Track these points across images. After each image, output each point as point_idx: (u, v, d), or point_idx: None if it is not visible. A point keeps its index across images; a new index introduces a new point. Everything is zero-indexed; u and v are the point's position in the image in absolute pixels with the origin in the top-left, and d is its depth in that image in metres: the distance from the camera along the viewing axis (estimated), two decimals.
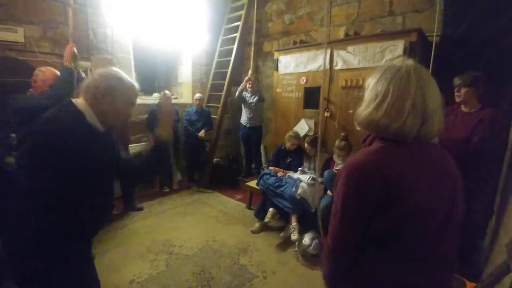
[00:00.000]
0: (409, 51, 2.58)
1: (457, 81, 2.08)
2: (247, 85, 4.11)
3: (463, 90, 2.07)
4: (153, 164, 1.40)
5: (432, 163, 0.84)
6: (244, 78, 4.17)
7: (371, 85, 0.87)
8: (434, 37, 2.27)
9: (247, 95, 4.21)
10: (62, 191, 1.03)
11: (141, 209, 3.59)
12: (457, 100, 2.12)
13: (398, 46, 2.66)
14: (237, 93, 4.19)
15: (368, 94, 0.87)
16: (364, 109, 0.87)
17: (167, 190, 4.29)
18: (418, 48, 2.59)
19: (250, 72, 4.14)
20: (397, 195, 0.77)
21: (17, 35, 2.95)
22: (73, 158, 1.01)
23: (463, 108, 2.15)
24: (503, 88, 2.18)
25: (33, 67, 2.93)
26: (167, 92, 3.98)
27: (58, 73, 2.18)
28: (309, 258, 2.59)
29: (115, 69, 1.21)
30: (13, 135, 2.40)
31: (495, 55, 2.19)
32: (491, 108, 2.05)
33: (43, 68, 2.16)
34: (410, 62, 0.84)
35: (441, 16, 2.38)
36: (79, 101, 1.13)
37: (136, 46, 4.09)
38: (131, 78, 1.23)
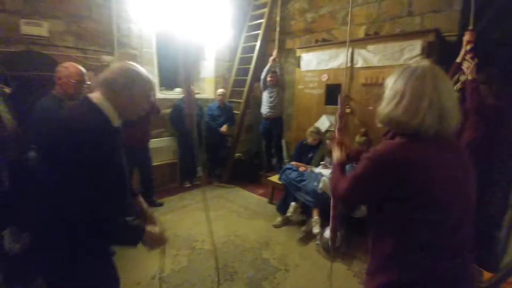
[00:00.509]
0: (427, 51, 2.64)
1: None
2: (268, 78, 4.14)
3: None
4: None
5: (450, 157, 0.88)
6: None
7: (390, 84, 0.93)
8: (469, 35, 2.30)
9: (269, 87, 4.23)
10: (80, 188, 1.02)
11: (161, 204, 3.62)
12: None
13: (416, 46, 2.72)
14: (263, 73, 4.22)
15: (387, 93, 0.93)
16: (384, 107, 0.93)
17: (189, 185, 4.35)
18: (435, 48, 2.64)
19: (275, 52, 4.13)
20: (417, 187, 0.82)
21: (42, 29, 2.99)
22: (90, 155, 1.01)
23: None
24: None
25: (57, 61, 2.95)
26: None
27: (82, 68, 2.19)
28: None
29: (131, 62, 1.21)
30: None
31: (510, 53, 2.25)
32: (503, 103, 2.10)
33: (66, 64, 2.16)
34: (425, 63, 0.88)
35: (459, 17, 2.49)
36: (96, 96, 1.13)
37: (159, 41, 4.13)
38: (148, 72, 1.24)
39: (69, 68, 2.13)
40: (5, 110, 2.00)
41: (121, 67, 1.16)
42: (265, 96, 4.30)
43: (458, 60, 2.22)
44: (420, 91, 0.84)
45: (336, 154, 1.25)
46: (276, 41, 4.23)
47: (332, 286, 2.07)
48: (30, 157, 2.17)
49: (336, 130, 1.49)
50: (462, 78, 2.17)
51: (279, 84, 4.19)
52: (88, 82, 2.29)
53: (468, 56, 2.13)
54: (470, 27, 2.02)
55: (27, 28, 2.92)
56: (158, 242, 1.26)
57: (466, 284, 0.90)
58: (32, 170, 2.07)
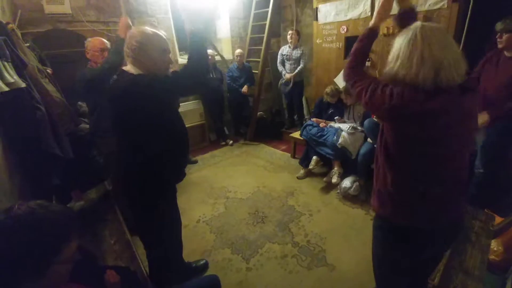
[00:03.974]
0: None
1: (499, 26, 1.99)
2: (288, 37, 4.12)
3: (505, 36, 1.97)
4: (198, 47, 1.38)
5: (453, 105, 0.98)
6: (282, 29, 4.17)
7: (392, 48, 1.05)
8: None
9: (287, 50, 4.24)
10: (148, 142, 1.30)
11: (196, 162, 4.04)
12: (499, 46, 2.04)
13: None
14: (278, 58, 4.29)
15: (389, 57, 1.05)
16: (387, 68, 1.06)
17: (223, 143, 4.69)
18: None
19: (290, 32, 4.13)
20: (417, 129, 0.97)
21: (64, 6, 3.11)
22: (150, 110, 1.25)
23: (506, 53, 2.06)
24: None
25: (83, 36, 3.10)
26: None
27: (105, 40, 2.35)
28: (350, 199, 2.88)
29: (138, 27, 1.33)
30: (80, 102, 2.71)
31: None
32: None
33: (90, 39, 2.37)
34: (418, 24, 0.99)
35: None
36: (128, 68, 1.33)
37: (173, 5, 4.09)
38: (160, 31, 1.35)
39: (92, 41, 2.33)
40: (54, 90, 2.22)
41: (129, 36, 1.31)
42: (286, 65, 4.36)
43: None
44: (411, 49, 0.95)
45: (377, 11, 1.26)
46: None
47: (350, 227, 2.41)
48: (81, 129, 2.51)
49: None
50: None
51: (298, 48, 4.17)
52: None
53: None
54: None
55: (50, 7, 3.04)
56: None
57: (452, 207, 1.11)
58: (85, 139, 2.42)
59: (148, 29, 1.33)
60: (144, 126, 1.30)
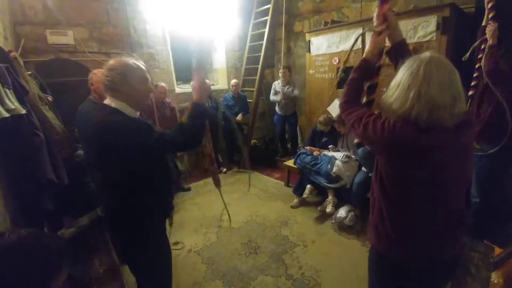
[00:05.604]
0: (442, 27, 2.55)
1: None
2: (280, 74, 4.30)
3: None
4: (194, 129, 1.36)
5: (447, 143, 0.94)
6: (276, 60, 4.32)
7: (396, 75, 1.01)
8: None
9: (279, 85, 4.41)
10: (127, 175, 1.25)
11: (189, 189, 3.98)
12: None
13: (430, 22, 2.62)
14: (271, 96, 4.50)
15: (392, 82, 1.01)
16: (385, 96, 1.02)
17: (224, 170, 4.67)
18: (452, 23, 2.55)
19: (281, 71, 4.32)
20: (420, 162, 0.93)
21: (68, 38, 3.23)
22: (126, 147, 1.21)
23: None
24: None
25: (85, 66, 3.22)
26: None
27: None
28: (345, 229, 2.80)
29: (116, 59, 1.30)
30: (77, 129, 2.77)
31: None
32: None
33: (95, 71, 2.36)
34: (426, 55, 0.92)
35: None
36: (108, 101, 1.30)
37: (171, 37, 4.29)
38: (139, 61, 1.34)
39: (98, 74, 2.30)
40: (54, 116, 2.27)
41: (109, 68, 1.27)
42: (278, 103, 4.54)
43: (484, 23, 2.07)
44: (410, 82, 0.90)
45: (369, 45, 1.24)
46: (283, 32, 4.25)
47: (346, 259, 2.32)
48: (78, 155, 2.48)
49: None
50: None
51: (290, 85, 4.35)
52: None
53: (490, 15, 1.97)
54: None
55: (53, 38, 3.15)
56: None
57: (452, 243, 1.05)
58: (81, 166, 2.39)
59: (128, 59, 1.32)
60: (119, 166, 1.25)
